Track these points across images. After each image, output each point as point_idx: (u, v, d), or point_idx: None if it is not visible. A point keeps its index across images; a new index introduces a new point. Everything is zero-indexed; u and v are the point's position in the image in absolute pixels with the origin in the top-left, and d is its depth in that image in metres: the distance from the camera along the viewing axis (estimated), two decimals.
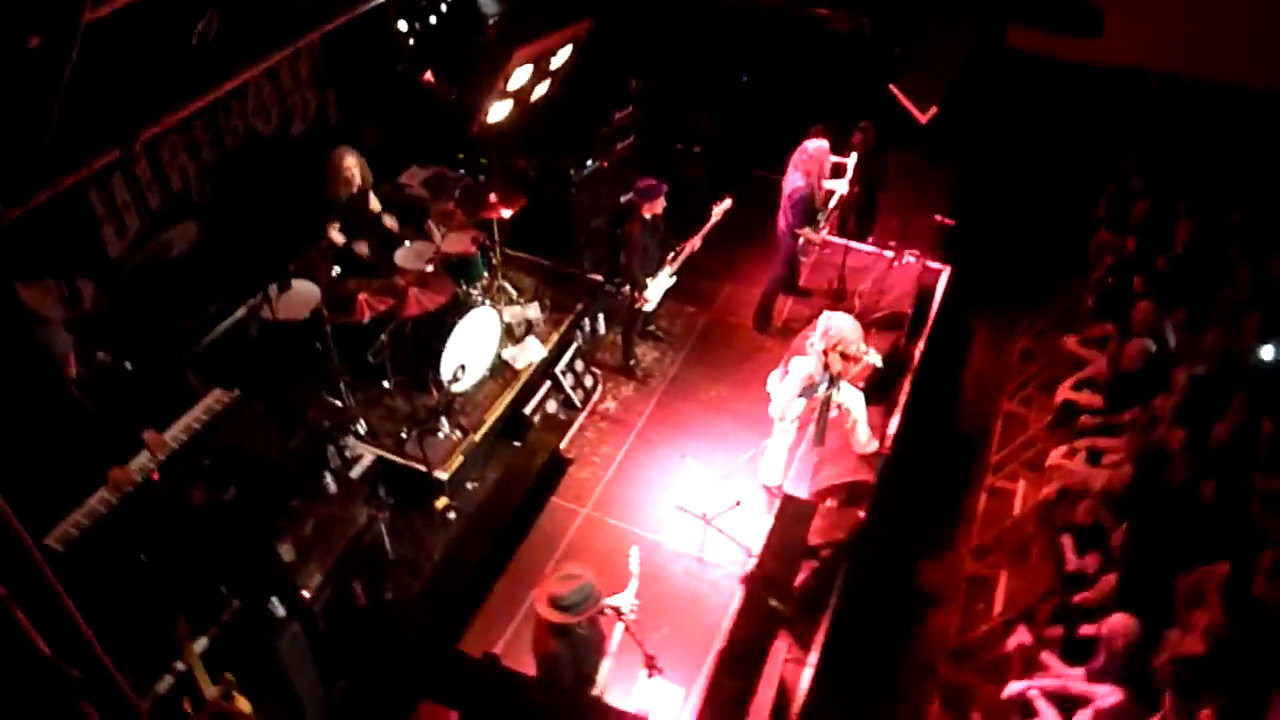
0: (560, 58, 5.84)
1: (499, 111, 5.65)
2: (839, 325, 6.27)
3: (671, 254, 7.48)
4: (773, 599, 3.35)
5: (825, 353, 6.26)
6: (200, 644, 5.44)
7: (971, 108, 8.00)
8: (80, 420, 5.20)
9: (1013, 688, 5.27)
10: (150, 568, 5.52)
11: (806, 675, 5.92)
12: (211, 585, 5.64)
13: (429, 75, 3.43)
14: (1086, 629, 5.21)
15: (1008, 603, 6.31)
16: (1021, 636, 5.71)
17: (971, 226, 8.76)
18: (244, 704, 5.45)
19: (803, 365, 6.41)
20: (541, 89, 6.00)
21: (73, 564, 4.92)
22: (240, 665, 5.59)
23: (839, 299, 8.26)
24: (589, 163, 8.13)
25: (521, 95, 5.77)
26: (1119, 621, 4.84)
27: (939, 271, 8.49)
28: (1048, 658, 5.35)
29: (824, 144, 7.68)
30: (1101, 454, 6.38)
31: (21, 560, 1.90)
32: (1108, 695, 4.73)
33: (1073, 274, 8.41)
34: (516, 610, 6.01)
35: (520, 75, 5.48)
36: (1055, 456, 6.64)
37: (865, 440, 6.84)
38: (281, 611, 5.53)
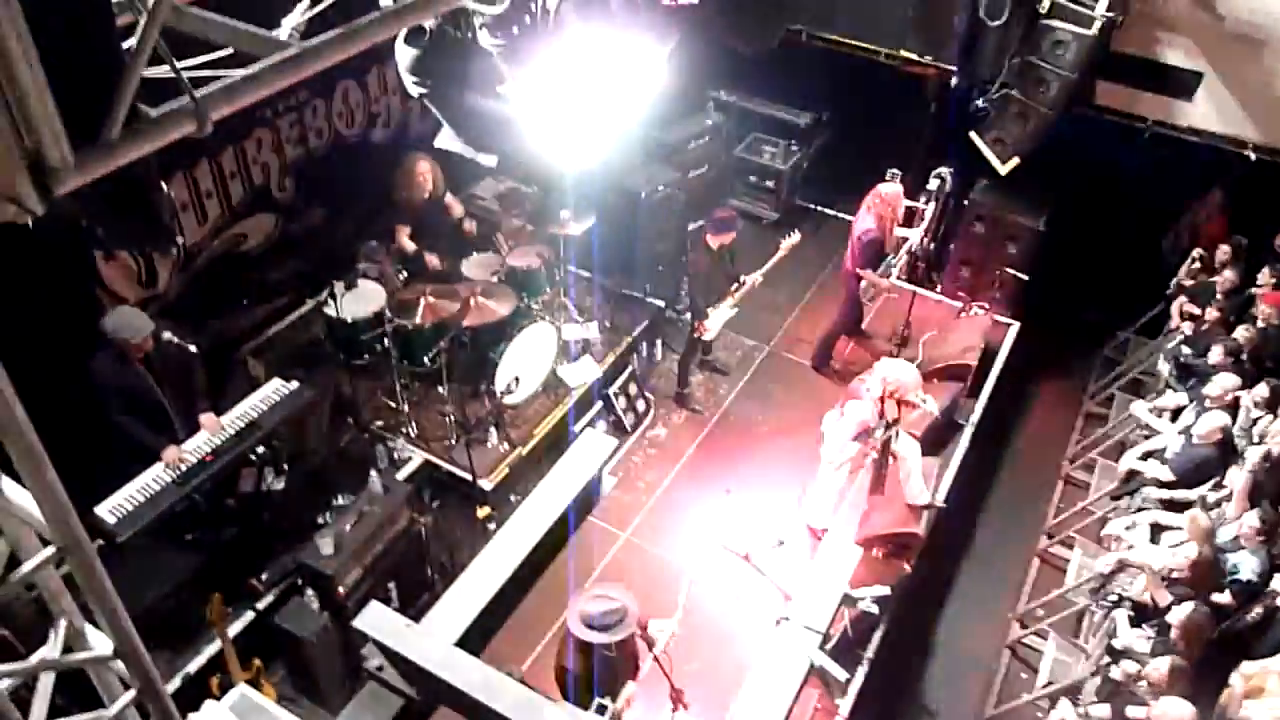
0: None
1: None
2: (896, 372, 6.17)
3: (735, 285, 7.43)
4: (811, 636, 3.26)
5: (881, 400, 6.15)
6: (234, 628, 5.52)
7: (1055, 162, 7.84)
8: (138, 397, 5.31)
9: None
10: (193, 547, 5.62)
11: None
12: (250, 571, 5.72)
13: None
14: (1134, 712, 4.98)
15: (1052, 674, 6.10)
16: (1064, 711, 5.49)
17: (1045, 283, 8.56)
18: (270, 691, 5.49)
19: (858, 410, 6.30)
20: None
21: (120, 535, 5.03)
22: (270, 653, 5.65)
23: (902, 345, 8.13)
24: (660, 188, 8.14)
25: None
26: (1172, 707, 4.62)
27: (1007, 326, 8.30)
28: None
29: (898, 188, 7.60)
30: (1164, 530, 6.15)
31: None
32: None
33: (1148, 340, 8.18)
34: (546, 629, 5.96)
35: None
36: (1115, 528, 6.41)
37: (919, 491, 6.68)
38: (316, 605, 5.57)
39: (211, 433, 5.57)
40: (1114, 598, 5.84)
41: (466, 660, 3.04)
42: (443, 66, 2.50)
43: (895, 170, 7.87)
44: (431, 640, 3.11)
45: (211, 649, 5.44)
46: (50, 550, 1.84)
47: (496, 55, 2.70)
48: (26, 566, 1.81)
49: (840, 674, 3.56)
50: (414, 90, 2.60)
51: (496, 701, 2.86)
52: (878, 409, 6.21)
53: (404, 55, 2.58)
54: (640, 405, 7.79)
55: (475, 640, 3.30)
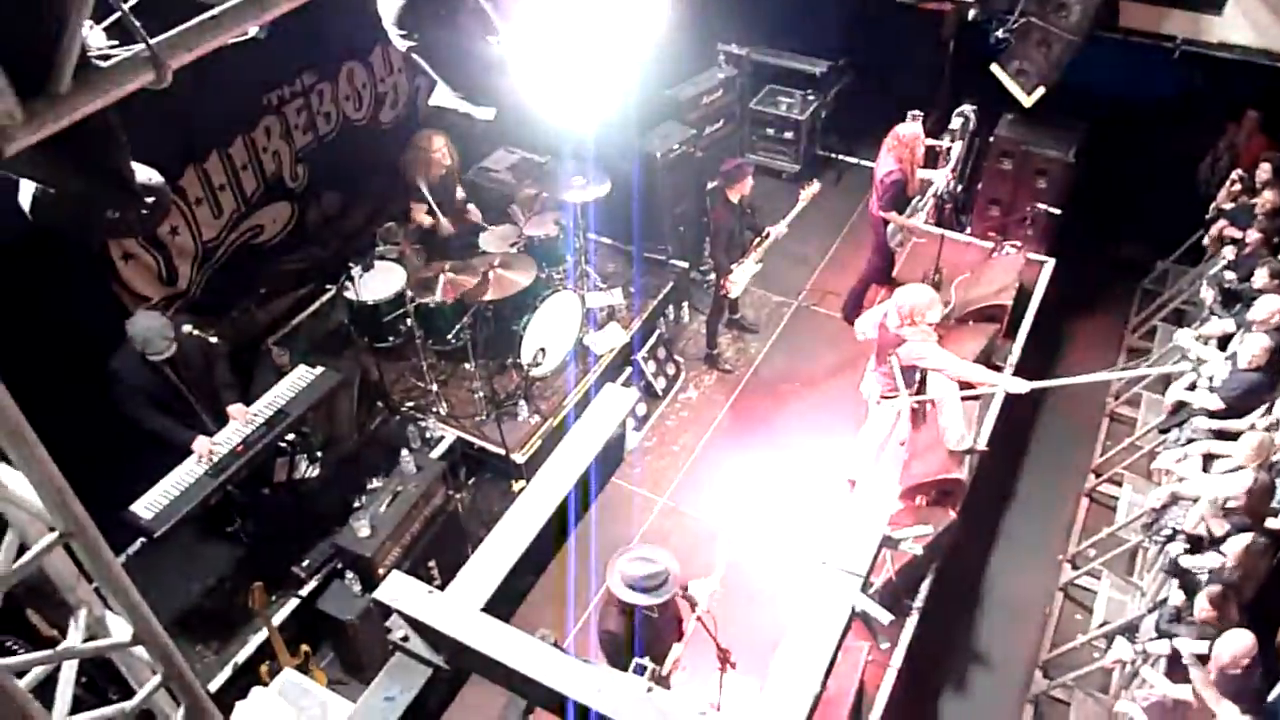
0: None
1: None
2: (906, 296, 5.96)
3: (757, 240, 7.29)
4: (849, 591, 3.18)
5: (901, 326, 5.97)
6: (280, 615, 5.54)
7: (1081, 90, 7.57)
8: (164, 395, 5.31)
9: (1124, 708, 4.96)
10: (233, 538, 5.64)
11: (889, 678, 5.70)
12: (291, 558, 5.73)
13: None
14: (1195, 646, 4.84)
15: (1107, 614, 5.97)
16: (1122, 650, 5.36)
17: (1078, 217, 8.32)
18: (320, 675, 5.52)
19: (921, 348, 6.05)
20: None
21: (157, 531, 5.04)
22: (317, 638, 5.68)
23: (934, 290, 7.94)
24: (675, 146, 7.99)
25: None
26: (1233, 638, 4.48)
27: (1041, 264, 8.09)
28: (1150, 674, 5.01)
29: (916, 128, 7.36)
30: (1216, 459, 5.96)
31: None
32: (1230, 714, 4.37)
33: (1188, 268, 7.92)
34: (586, 593, 5.92)
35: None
36: (1165, 461, 6.24)
37: (958, 436, 6.53)
38: (357, 588, 5.57)
39: (241, 423, 5.57)
40: (1167, 532, 5.68)
41: (494, 625, 2.99)
42: (429, 14, 2.40)
43: (916, 111, 7.65)
44: (457, 607, 3.07)
45: (259, 638, 5.47)
46: (53, 535, 1.79)
47: (485, 2, 2.60)
48: (29, 554, 1.77)
49: (884, 616, 3.47)
50: (401, 44, 2.51)
51: (528, 666, 2.80)
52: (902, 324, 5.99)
53: (388, 7, 2.48)
54: (670, 369, 7.71)
55: (504, 605, 3.25)
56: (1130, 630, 5.56)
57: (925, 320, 5.86)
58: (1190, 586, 5.11)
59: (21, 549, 1.95)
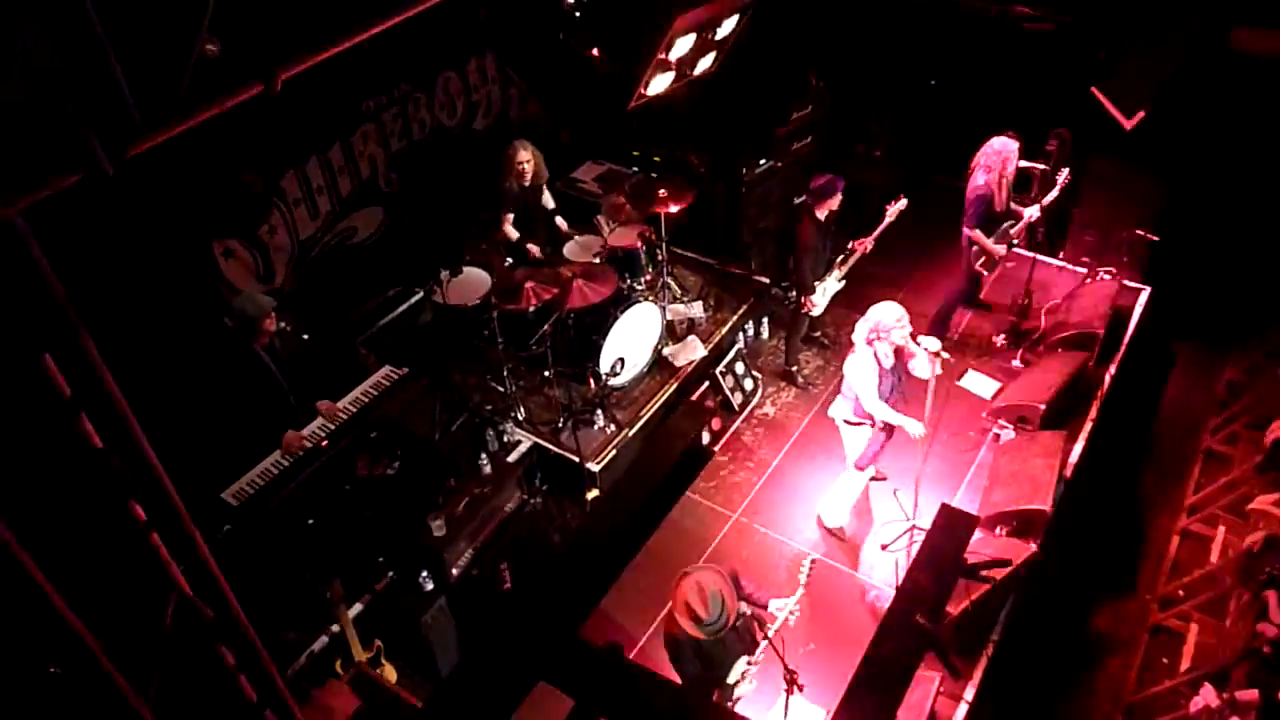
0: (726, 28, 5.42)
1: (660, 84, 5.31)
2: (876, 311, 5.86)
3: (841, 257, 7.21)
4: (919, 615, 3.11)
5: (869, 343, 5.88)
6: (354, 609, 5.67)
7: (1184, 113, 7.31)
8: (263, 383, 5.50)
9: None
10: (314, 531, 5.79)
11: (960, 712, 5.55)
12: (368, 554, 5.86)
13: (595, 50, 3.32)
14: None
15: (1196, 659, 5.72)
16: (1209, 698, 5.14)
17: (1178, 244, 8.01)
18: (390, 671, 5.63)
19: (857, 365, 5.99)
20: (706, 62, 5.62)
21: (244, 519, 5.22)
22: (390, 633, 5.79)
23: (1023, 315, 7.75)
24: (763, 161, 7.96)
25: (683, 67, 5.42)
26: None
27: (1138, 291, 7.81)
28: None
29: (1009, 142, 7.15)
30: None
31: (162, 502, 1.95)
32: None
33: None
34: (657, 606, 5.92)
35: (682, 44, 5.15)
36: (1262, 502, 5.96)
37: (832, 508, 6.64)
38: (430, 586, 5.67)
39: (327, 419, 5.73)
40: (1262, 578, 5.43)
41: (564, 634, 3.01)
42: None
43: (1012, 132, 7.47)
44: (527, 611, 3.10)
45: (334, 629, 5.60)
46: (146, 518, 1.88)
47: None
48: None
49: (966, 658, 3.39)
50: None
51: (593, 675, 2.82)
52: (870, 352, 5.91)
53: None
54: (748, 384, 7.66)
55: (576, 612, 3.27)
56: (1220, 677, 5.32)
57: (889, 339, 5.75)
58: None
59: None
